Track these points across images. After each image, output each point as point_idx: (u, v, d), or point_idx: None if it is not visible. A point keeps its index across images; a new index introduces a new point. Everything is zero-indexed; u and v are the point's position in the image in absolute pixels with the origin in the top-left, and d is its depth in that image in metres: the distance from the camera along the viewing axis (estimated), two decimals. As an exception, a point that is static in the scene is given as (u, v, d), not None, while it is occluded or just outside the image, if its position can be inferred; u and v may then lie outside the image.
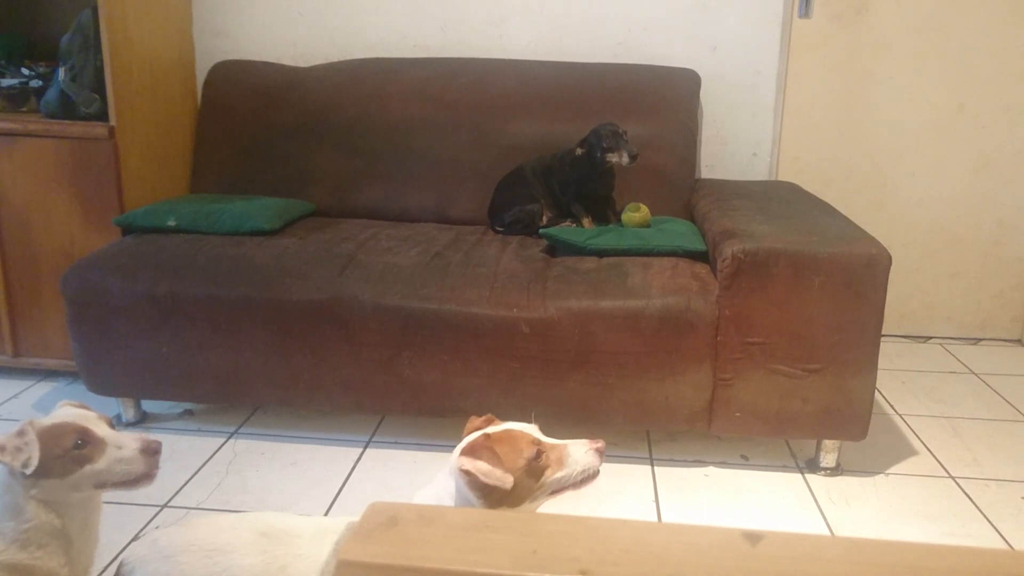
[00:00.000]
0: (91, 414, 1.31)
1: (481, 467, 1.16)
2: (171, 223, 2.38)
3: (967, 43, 2.88)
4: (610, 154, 2.39)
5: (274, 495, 2.03)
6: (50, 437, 1.25)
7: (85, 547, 1.31)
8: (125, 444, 1.29)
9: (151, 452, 1.29)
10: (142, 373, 2.21)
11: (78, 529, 1.29)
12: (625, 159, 2.38)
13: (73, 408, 1.32)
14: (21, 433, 1.23)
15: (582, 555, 0.51)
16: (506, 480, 1.17)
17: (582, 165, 2.46)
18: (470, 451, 1.19)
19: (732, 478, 2.15)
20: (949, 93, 2.92)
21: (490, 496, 1.18)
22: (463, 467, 1.17)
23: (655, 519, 1.98)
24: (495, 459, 1.18)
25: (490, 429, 1.27)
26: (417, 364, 2.09)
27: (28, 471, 1.21)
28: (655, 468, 2.19)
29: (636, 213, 2.42)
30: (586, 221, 2.49)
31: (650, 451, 2.27)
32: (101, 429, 1.28)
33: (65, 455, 1.24)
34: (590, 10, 2.90)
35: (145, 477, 1.29)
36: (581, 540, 0.53)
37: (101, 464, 1.27)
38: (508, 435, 1.24)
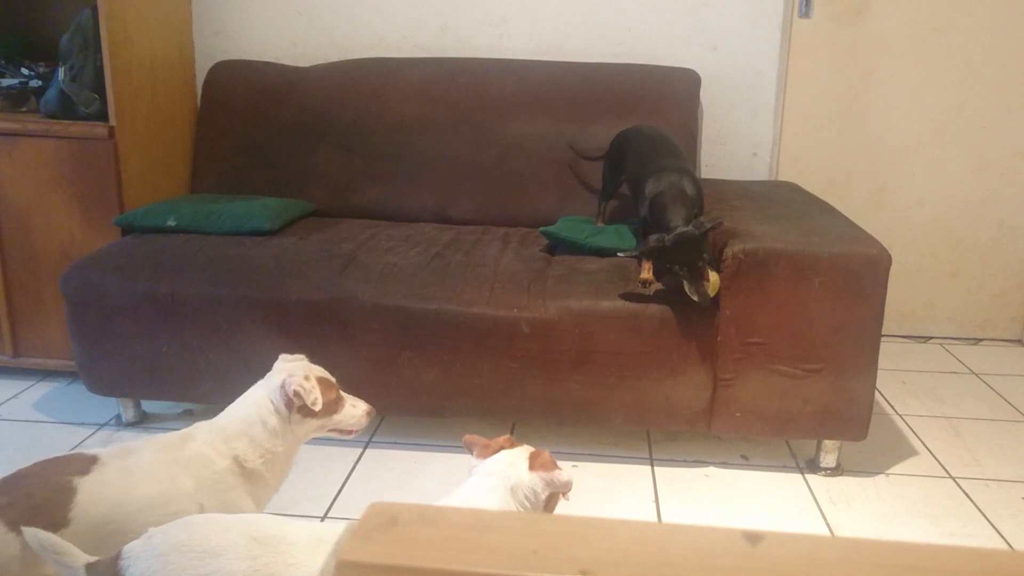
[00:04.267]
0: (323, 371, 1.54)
1: (561, 475, 1.34)
2: (171, 223, 2.38)
3: (967, 43, 2.88)
4: (680, 274, 1.93)
5: (274, 495, 2.02)
6: (324, 386, 1.50)
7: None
8: (358, 404, 1.55)
9: (371, 415, 1.57)
10: (142, 373, 2.20)
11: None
12: (695, 296, 1.92)
13: (307, 362, 1.55)
14: (306, 378, 1.47)
15: (582, 555, 0.51)
16: None
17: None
18: (541, 465, 1.34)
19: (732, 478, 2.15)
20: (949, 93, 2.92)
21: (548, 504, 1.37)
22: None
23: (655, 519, 1.97)
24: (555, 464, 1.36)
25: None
26: (417, 364, 2.09)
27: (317, 408, 1.46)
28: (655, 468, 2.19)
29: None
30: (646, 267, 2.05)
31: (650, 451, 2.27)
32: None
33: (329, 403, 1.49)
34: (590, 10, 2.90)
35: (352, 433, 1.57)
36: (581, 540, 0.52)
37: (341, 415, 1.53)
38: None
